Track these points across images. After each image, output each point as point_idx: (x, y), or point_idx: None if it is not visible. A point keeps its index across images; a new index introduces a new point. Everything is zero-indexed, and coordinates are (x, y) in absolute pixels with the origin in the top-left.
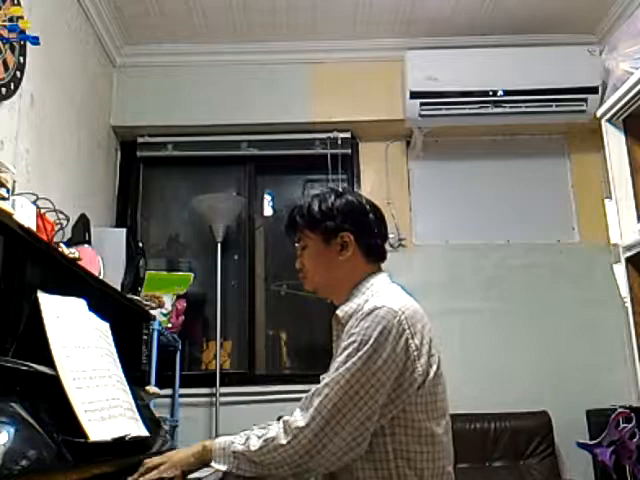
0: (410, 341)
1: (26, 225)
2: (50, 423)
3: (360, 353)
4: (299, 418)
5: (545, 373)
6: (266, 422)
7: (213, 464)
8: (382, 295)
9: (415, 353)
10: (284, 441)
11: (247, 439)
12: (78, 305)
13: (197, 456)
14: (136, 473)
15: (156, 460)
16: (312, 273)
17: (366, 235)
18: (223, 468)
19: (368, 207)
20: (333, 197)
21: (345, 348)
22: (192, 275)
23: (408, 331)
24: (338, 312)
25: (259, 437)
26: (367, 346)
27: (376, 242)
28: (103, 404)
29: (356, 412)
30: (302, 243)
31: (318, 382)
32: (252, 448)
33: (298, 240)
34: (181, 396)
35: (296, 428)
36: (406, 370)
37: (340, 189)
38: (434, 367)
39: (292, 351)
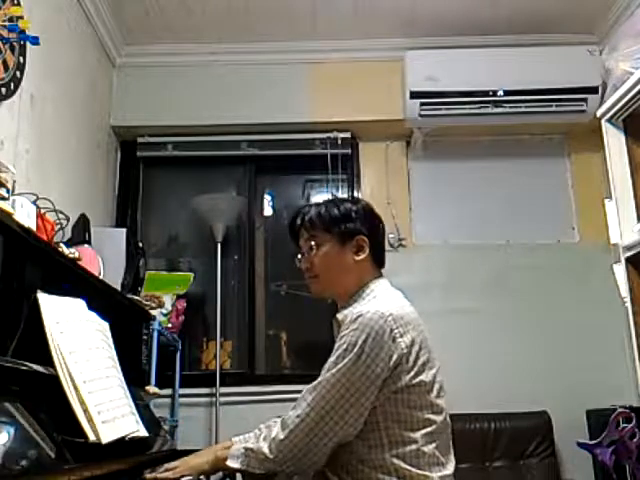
0: (399, 340)
1: (26, 225)
2: (50, 423)
3: (350, 355)
4: (294, 413)
5: (545, 373)
6: (272, 420)
7: (228, 462)
8: (376, 301)
9: (405, 351)
10: (282, 436)
11: (258, 437)
12: (78, 305)
13: (211, 464)
14: (154, 472)
15: (174, 464)
16: (324, 273)
17: (377, 240)
18: (236, 466)
19: (377, 214)
20: (349, 203)
21: (336, 350)
22: (192, 275)
23: (396, 330)
24: (339, 316)
25: (266, 436)
26: (356, 348)
27: (383, 248)
28: (104, 405)
29: (348, 408)
30: (315, 242)
31: None
32: (261, 445)
33: (310, 238)
34: (181, 396)
35: (292, 423)
36: (395, 368)
37: (352, 197)
38: (428, 365)
39: (292, 351)
